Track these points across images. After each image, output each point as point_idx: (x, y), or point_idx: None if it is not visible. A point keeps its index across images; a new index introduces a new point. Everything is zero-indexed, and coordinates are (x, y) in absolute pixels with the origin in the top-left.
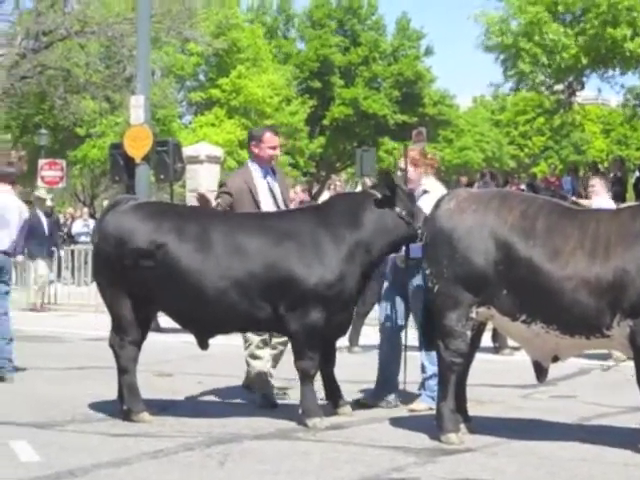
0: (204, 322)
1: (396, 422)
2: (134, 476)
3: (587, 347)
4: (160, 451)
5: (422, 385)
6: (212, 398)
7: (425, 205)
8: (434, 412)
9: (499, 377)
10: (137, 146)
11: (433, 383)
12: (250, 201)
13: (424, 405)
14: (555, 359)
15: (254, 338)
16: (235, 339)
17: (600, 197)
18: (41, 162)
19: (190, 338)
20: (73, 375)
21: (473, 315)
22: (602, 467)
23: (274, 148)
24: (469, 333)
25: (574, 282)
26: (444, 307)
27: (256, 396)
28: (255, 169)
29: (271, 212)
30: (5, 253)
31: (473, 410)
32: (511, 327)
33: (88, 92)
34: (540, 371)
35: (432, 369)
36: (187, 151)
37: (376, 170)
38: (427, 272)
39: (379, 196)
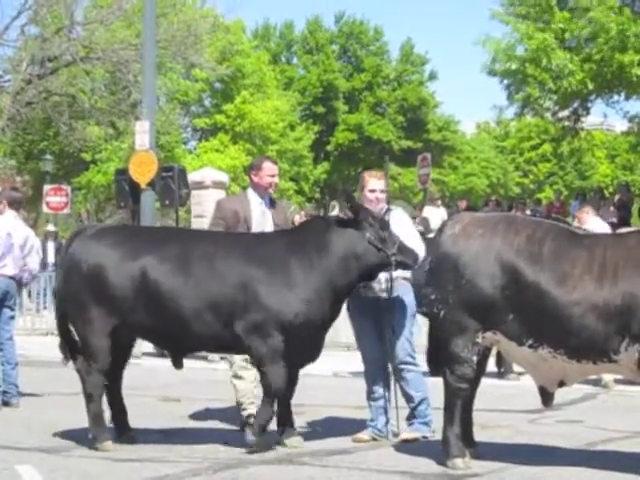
0: (174, 342)
1: (402, 447)
2: None
3: (594, 372)
4: (166, 476)
5: (412, 414)
6: (219, 423)
7: (399, 228)
8: (440, 437)
9: (505, 402)
10: (142, 172)
11: (423, 408)
12: (244, 229)
13: (416, 434)
14: (561, 384)
15: (236, 358)
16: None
17: (590, 222)
18: (46, 188)
19: (196, 364)
20: (79, 400)
21: (479, 340)
22: None
23: (272, 176)
24: (475, 358)
25: (582, 307)
26: (450, 333)
27: (240, 416)
28: (253, 197)
29: (242, 233)
30: (11, 277)
31: (479, 435)
32: (517, 352)
33: (93, 118)
34: (546, 396)
35: (419, 395)
36: (193, 177)
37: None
38: (432, 297)
39: (345, 219)
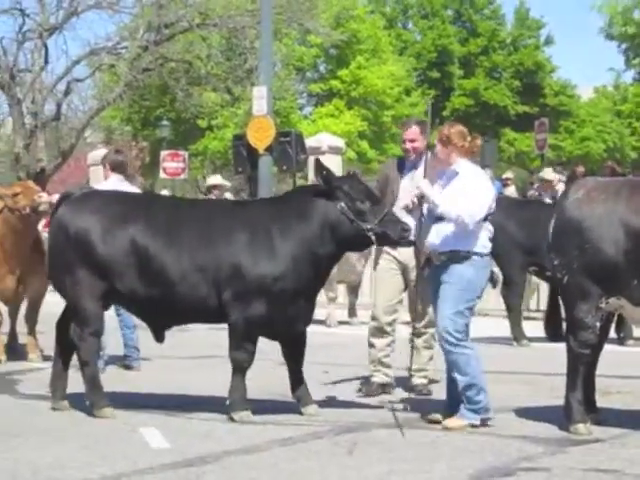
0: (160, 310)
1: (521, 412)
2: (264, 463)
3: None
4: (289, 439)
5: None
6: (338, 387)
7: (454, 187)
8: (561, 402)
9: (625, 368)
10: (260, 137)
11: (472, 394)
12: (391, 192)
13: (461, 422)
14: None
15: (371, 324)
16: (365, 328)
17: None
18: (163, 154)
19: (317, 327)
20: (198, 364)
21: (603, 306)
22: None
23: (404, 142)
24: (598, 324)
25: None
26: (574, 298)
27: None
28: (399, 162)
29: (230, 200)
30: None
31: (600, 401)
32: None
33: (209, 84)
34: None
35: (465, 380)
36: (309, 142)
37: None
38: (555, 263)
39: (321, 189)
